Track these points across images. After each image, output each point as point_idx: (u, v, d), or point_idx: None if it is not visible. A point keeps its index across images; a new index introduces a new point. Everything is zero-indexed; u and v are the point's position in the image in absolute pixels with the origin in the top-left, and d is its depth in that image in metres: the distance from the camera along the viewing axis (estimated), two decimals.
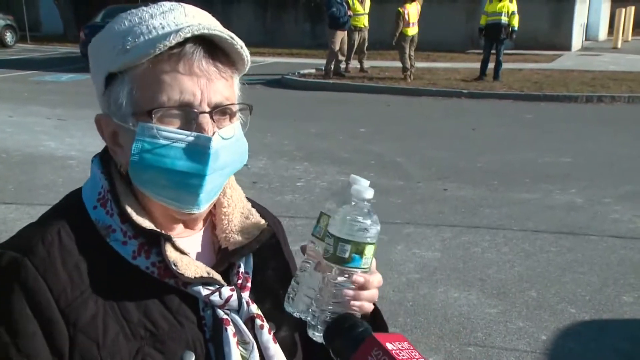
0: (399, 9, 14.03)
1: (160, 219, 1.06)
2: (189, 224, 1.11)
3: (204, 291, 1.03)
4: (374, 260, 1.06)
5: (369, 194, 1.01)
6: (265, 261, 1.15)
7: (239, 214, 1.15)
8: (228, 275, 1.09)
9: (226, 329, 1.03)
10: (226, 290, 1.04)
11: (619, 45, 22.45)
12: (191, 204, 1.03)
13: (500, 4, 13.53)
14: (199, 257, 1.10)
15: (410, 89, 13.53)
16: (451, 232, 5.63)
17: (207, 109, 0.99)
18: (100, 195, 1.05)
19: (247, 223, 1.14)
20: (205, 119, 0.99)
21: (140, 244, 1.01)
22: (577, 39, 22.16)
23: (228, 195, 1.15)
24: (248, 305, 1.06)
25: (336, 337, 0.97)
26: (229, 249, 1.10)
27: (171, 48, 0.96)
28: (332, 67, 14.83)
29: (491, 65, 14.05)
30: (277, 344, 1.07)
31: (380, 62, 17.34)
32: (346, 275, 1.01)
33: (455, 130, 9.97)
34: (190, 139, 0.99)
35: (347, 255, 0.99)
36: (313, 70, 15.83)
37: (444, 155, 8.33)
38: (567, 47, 21.04)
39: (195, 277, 1.02)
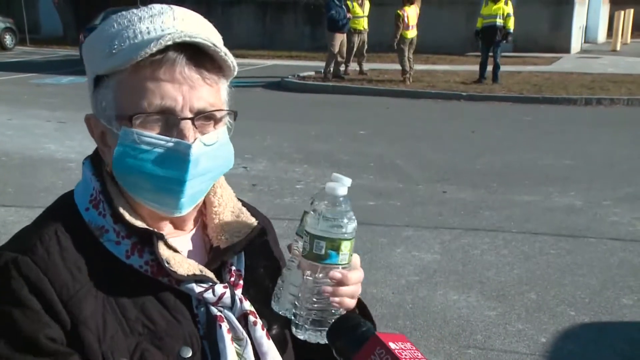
0: (398, 11, 14.04)
1: (149, 220, 1.07)
2: (177, 224, 1.12)
3: (197, 288, 1.04)
4: (356, 257, 1.07)
5: (342, 191, 1.02)
6: (257, 259, 1.17)
7: (229, 213, 1.16)
8: (221, 274, 1.10)
9: (220, 326, 1.04)
10: (219, 288, 1.06)
11: (618, 48, 22.48)
12: (173, 208, 1.05)
13: (495, 7, 13.58)
14: (191, 255, 1.11)
15: (410, 92, 13.54)
16: (450, 235, 5.63)
17: (190, 115, 1.00)
18: (92, 196, 1.06)
19: (237, 222, 1.15)
20: (187, 125, 0.99)
21: (133, 243, 1.03)
22: (576, 42, 22.19)
23: (219, 194, 1.17)
24: (241, 302, 1.07)
25: (339, 337, 0.98)
26: (221, 247, 1.12)
27: (153, 55, 0.97)
28: (332, 69, 14.84)
29: (490, 67, 14.06)
30: (271, 340, 1.09)
31: (380, 64, 17.35)
32: (324, 272, 1.02)
33: (454, 133, 9.98)
34: (171, 145, 1.00)
35: (323, 252, 1.01)
36: (312, 73, 15.83)
37: (443, 158, 8.34)
38: (566, 49, 21.06)
39: (188, 275, 1.03)
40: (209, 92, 1.02)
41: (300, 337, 1.05)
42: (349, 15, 14.52)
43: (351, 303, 1.06)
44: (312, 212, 1.03)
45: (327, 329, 1.03)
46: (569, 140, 9.41)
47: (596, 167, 7.87)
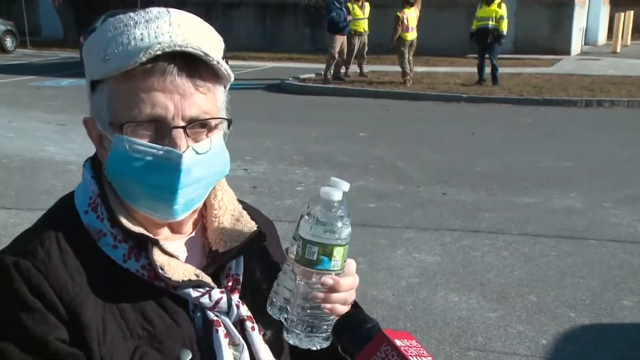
0: (398, 13, 14.05)
1: (145, 224, 1.07)
2: (175, 228, 1.12)
3: (194, 293, 1.04)
4: (351, 262, 1.06)
5: (338, 195, 1.00)
6: (256, 263, 1.16)
7: (229, 216, 1.15)
8: (218, 278, 1.10)
9: (217, 331, 1.03)
10: (216, 293, 1.05)
11: (618, 50, 22.48)
12: (167, 214, 1.04)
13: (489, 9, 13.64)
14: (189, 259, 1.10)
15: (410, 94, 13.55)
16: (451, 236, 5.63)
17: (181, 124, 0.99)
18: (91, 199, 1.06)
19: (237, 225, 1.14)
20: (179, 134, 0.99)
21: (130, 247, 1.02)
22: (577, 44, 22.19)
23: (219, 197, 1.16)
24: (238, 307, 1.07)
25: (345, 333, 0.97)
26: (219, 251, 1.11)
27: (144, 64, 0.96)
28: (332, 71, 14.84)
29: (488, 69, 14.08)
30: (267, 346, 1.08)
31: (380, 66, 17.36)
32: (316, 278, 1.01)
33: (454, 135, 9.98)
34: (161, 153, 0.99)
35: (315, 257, 0.99)
36: (313, 75, 15.84)
37: (443, 160, 8.34)
38: (567, 51, 21.06)
39: (183, 280, 1.03)
40: (202, 100, 1.01)
41: (291, 342, 1.04)
42: (349, 17, 14.54)
43: (343, 310, 1.05)
44: (306, 217, 1.01)
45: (317, 335, 1.02)
46: (569, 141, 9.41)
47: (596, 168, 7.87)
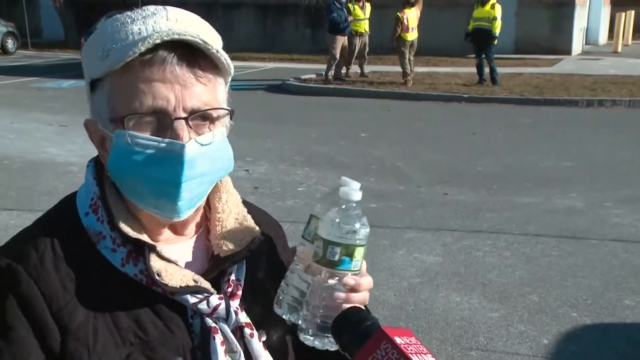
0: (398, 13, 14.05)
1: (148, 225, 1.05)
2: (178, 229, 1.10)
3: (192, 299, 1.02)
4: (364, 262, 1.06)
5: (357, 195, 1.00)
6: (259, 268, 1.14)
7: (233, 219, 1.13)
8: (219, 283, 1.08)
9: (214, 338, 1.02)
10: (214, 299, 1.03)
11: (619, 49, 22.46)
12: (171, 212, 1.02)
13: (483, 9, 13.67)
14: (191, 263, 1.09)
15: (411, 94, 13.55)
16: (452, 237, 5.63)
17: (183, 115, 0.97)
18: (92, 201, 1.04)
19: (240, 229, 1.12)
20: (181, 125, 0.97)
21: (128, 251, 1.01)
22: (578, 43, 22.18)
23: (223, 200, 1.13)
24: (236, 314, 1.05)
25: (344, 331, 0.96)
26: (221, 255, 1.09)
27: (143, 54, 0.95)
28: (333, 72, 14.85)
29: (487, 70, 14.09)
30: (267, 352, 1.06)
31: (381, 66, 17.36)
32: (336, 278, 1.00)
33: (455, 135, 9.98)
34: (164, 145, 0.97)
35: (336, 258, 0.99)
36: (313, 76, 15.84)
37: (444, 160, 8.34)
38: (568, 51, 21.05)
39: (180, 287, 1.01)
40: (203, 91, 0.99)
41: (308, 343, 1.02)
42: (350, 18, 14.54)
43: None
44: (324, 217, 1.01)
45: (329, 335, 1.00)
46: (570, 141, 9.40)
47: (597, 168, 7.87)
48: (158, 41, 0.95)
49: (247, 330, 1.05)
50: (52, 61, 20.91)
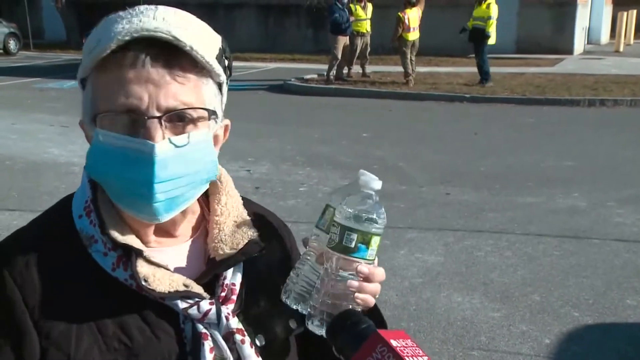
0: (399, 13, 14.06)
1: (136, 227, 1.04)
2: (168, 232, 1.08)
3: (182, 304, 1.00)
4: (376, 257, 1.04)
5: (377, 184, 1.00)
6: (259, 270, 1.11)
7: (231, 223, 1.10)
8: (214, 287, 1.05)
9: (203, 344, 0.99)
10: (205, 304, 1.01)
11: (621, 49, 22.46)
12: (149, 214, 0.99)
13: (480, 9, 13.74)
14: (185, 267, 1.07)
15: (413, 94, 13.55)
16: (454, 237, 5.63)
17: (157, 114, 0.94)
18: (86, 204, 1.03)
19: (237, 233, 1.09)
20: (154, 124, 0.94)
21: (119, 256, 0.99)
22: (579, 43, 22.16)
23: (223, 202, 1.11)
24: (227, 319, 1.02)
25: (339, 334, 0.96)
26: (216, 259, 1.06)
27: (116, 52, 0.94)
28: (334, 72, 14.85)
29: (489, 69, 14.09)
30: (260, 358, 1.04)
31: (382, 67, 17.36)
32: (350, 267, 0.99)
33: (457, 135, 9.97)
34: (134, 145, 0.94)
35: (353, 244, 0.98)
36: (315, 76, 15.84)
37: (446, 160, 8.34)
38: (569, 51, 21.04)
39: (169, 292, 0.99)
40: (180, 90, 0.96)
41: (317, 331, 1.01)
42: (351, 18, 14.54)
43: (372, 302, 1.02)
44: (344, 202, 0.99)
45: None
46: (572, 141, 9.40)
47: (599, 168, 7.86)
48: (127, 38, 0.93)
49: (238, 337, 1.02)
50: (54, 62, 20.93)
